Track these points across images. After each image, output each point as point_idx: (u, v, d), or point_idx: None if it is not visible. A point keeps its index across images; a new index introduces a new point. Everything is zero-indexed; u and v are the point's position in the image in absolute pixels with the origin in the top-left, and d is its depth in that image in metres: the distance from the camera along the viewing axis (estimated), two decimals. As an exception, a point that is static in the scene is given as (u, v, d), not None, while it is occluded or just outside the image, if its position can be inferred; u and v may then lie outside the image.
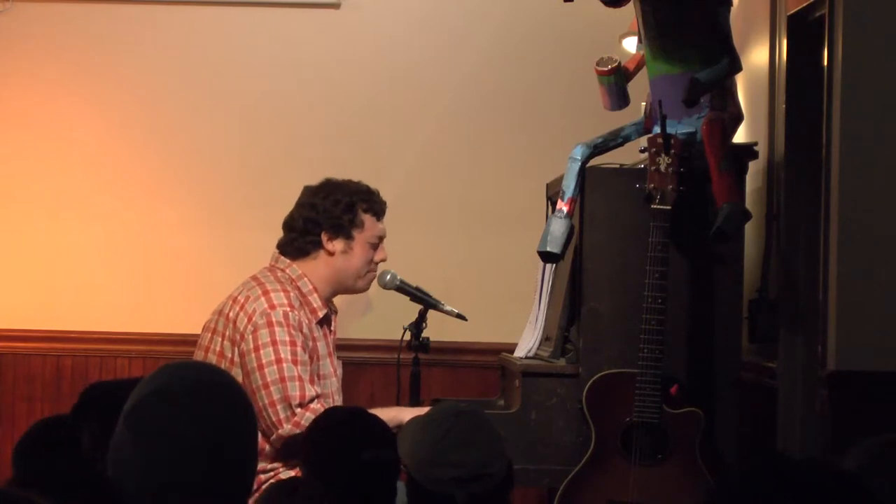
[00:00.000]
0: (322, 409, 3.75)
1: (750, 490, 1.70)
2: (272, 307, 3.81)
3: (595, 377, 3.59)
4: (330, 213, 3.96)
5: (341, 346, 4.45)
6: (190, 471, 2.10)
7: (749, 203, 3.78)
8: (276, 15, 4.99)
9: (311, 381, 3.80)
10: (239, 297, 3.88)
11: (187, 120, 4.98)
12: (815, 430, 3.76)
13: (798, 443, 3.92)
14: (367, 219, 4.00)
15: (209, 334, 3.92)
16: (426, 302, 4.15)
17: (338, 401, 3.99)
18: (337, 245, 3.97)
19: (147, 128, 4.99)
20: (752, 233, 4.00)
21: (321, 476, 2.64)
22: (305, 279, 3.94)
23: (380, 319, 4.80)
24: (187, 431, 2.11)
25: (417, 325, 4.11)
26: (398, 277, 4.18)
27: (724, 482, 1.78)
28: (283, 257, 4.00)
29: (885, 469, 2.25)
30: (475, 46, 4.95)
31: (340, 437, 2.69)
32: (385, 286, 4.19)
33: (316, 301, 3.93)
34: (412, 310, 4.16)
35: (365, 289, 4.11)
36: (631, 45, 4.19)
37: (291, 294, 3.86)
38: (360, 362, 4.81)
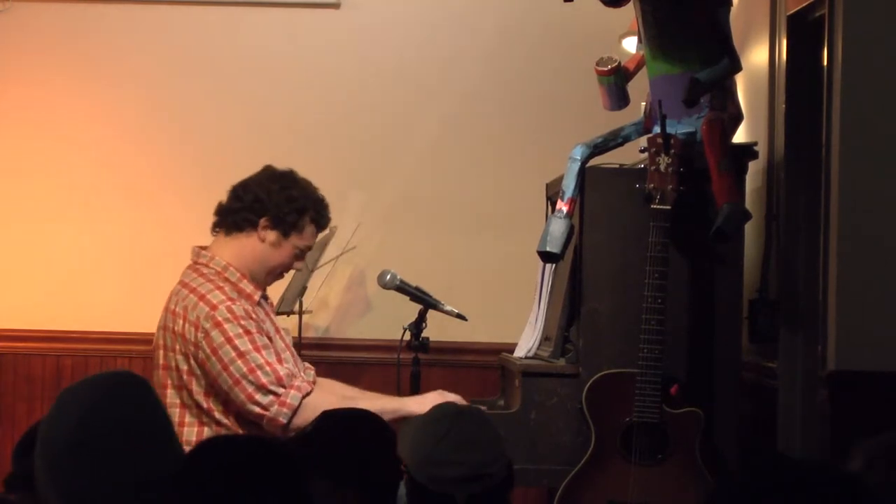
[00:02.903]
0: (306, 385, 3.73)
1: (750, 490, 1.70)
2: (214, 308, 3.77)
3: (595, 377, 3.59)
4: (279, 205, 3.93)
5: (341, 346, 4.45)
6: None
7: (749, 203, 3.78)
8: (276, 15, 4.99)
9: (279, 361, 3.77)
10: (177, 309, 3.83)
11: (187, 119, 4.98)
12: (815, 430, 3.76)
13: (798, 443, 3.92)
14: (309, 228, 3.97)
15: (161, 351, 3.86)
16: (426, 302, 4.15)
17: (304, 368, 3.96)
18: (270, 236, 3.93)
19: (147, 127, 4.99)
20: (752, 233, 4.01)
21: (325, 476, 2.64)
22: (232, 268, 3.89)
23: (380, 319, 4.80)
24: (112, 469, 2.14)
25: (417, 325, 4.11)
26: (398, 277, 4.18)
27: (724, 482, 1.78)
28: (203, 251, 3.95)
29: (887, 468, 2.25)
30: (475, 47, 4.95)
31: (342, 438, 2.69)
32: (385, 286, 4.18)
33: (248, 286, 3.88)
34: (412, 310, 4.16)
35: (268, 285, 4.06)
36: (631, 45, 4.19)
37: (226, 287, 3.84)
38: (360, 362, 4.81)
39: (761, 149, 3.94)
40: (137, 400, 2.23)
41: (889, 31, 3.56)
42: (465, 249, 4.91)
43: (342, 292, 4.80)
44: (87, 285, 4.97)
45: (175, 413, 3.81)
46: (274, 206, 3.91)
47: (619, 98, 3.89)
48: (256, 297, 3.89)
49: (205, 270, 3.89)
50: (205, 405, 3.78)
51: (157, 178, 4.98)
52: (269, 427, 3.71)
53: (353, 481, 2.60)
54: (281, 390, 3.71)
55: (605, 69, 3.85)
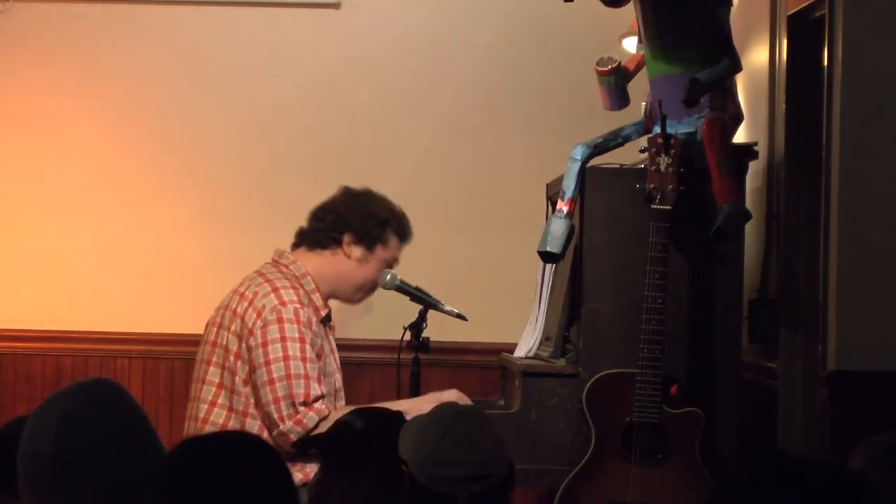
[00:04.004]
0: (325, 409, 3.76)
1: (750, 490, 1.70)
2: (283, 303, 3.81)
3: (595, 377, 3.59)
4: (362, 220, 3.98)
5: (341, 346, 4.44)
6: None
7: (749, 203, 3.78)
8: (276, 15, 4.99)
9: (318, 381, 3.80)
10: (246, 293, 3.88)
11: (187, 120, 4.98)
12: (815, 430, 3.76)
13: (798, 443, 3.92)
14: (393, 240, 4.02)
15: (215, 328, 3.92)
16: (426, 302, 4.15)
17: (341, 397, 4.00)
18: (356, 252, 3.98)
19: (147, 128, 4.99)
20: (752, 233, 4.01)
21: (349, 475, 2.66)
22: (308, 278, 3.94)
23: (380, 319, 4.80)
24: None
25: (417, 325, 4.11)
26: (398, 277, 4.18)
27: (724, 482, 1.78)
28: (287, 253, 4.00)
29: (888, 466, 2.25)
30: (475, 47, 4.95)
31: (370, 440, 2.70)
32: (385, 286, 4.19)
33: (318, 300, 3.95)
34: (412, 310, 4.16)
35: (357, 303, 4.13)
36: (631, 45, 4.19)
37: (300, 291, 3.88)
38: (360, 362, 4.81)
39: (761, 149, 3.94)
40: (113, 405, 2.23)
41: (889, 31, 3.56)
42: (465, 249, 4.91)
43: (342, 292, 4.80)
44: (86, 285, 4.96)
45: (210, 391, 3.85)
46: (356, 221, 3.97)
47: (619, 98, 3.89)
48: (322, 312, 3.93)
49: (284, 270, 3.94)
50: (242, 391, 3.81)
51: (158, 179, 4.98)
52: (277, 439, 3.74)
53: (375, 478, 2.61)
54: (302, 408, 3.73)
55: (605, 69, 3.85)
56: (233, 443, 2.12)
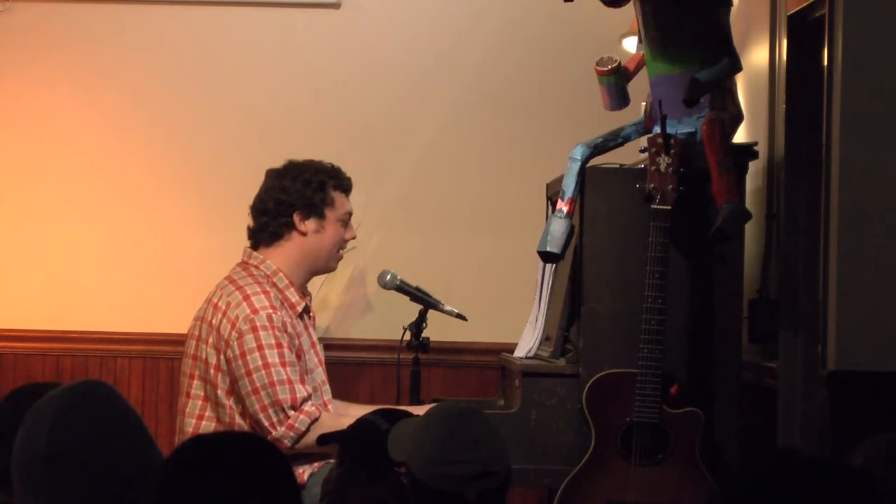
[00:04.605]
0: (315, 410, 3.75)
1: (752, 488, 1.70)
2: (255, 311, 3.78)
3: (595, 377, 3.59)
4: (301, 193, 3.95)
5: (341, 346, 4.45)
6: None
7: (749, 203, 3.78)
8: (276, 15, 4.99)
9: (302, 381, 3.78)
10: (219, 304, 3.85)
11: (187, 120, 4.98)
12: (815, 430, 3.77)
13: (798, 443, 3.92)
14: (338, 196, 4.00)
15: (194, 342, 3.89)
16: (426, 302, 4.16)
17: (326, 391, 3.98)
18: (310, 225, 3.95)
19: (147, 127, 4.99)
20: (752, 233, 4.01)
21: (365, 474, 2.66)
22: (281, 274, 3.91)
23: (380, 319, 4.80)
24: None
25: (417, 325, 4.11)
26: (398, 277, 4.18)
27: (726, 481, 1.78)
28: (255, 253, 3.97)
29: (889, 466, 2.25)
30: (476, 47, 4.95)
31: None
32: (385, 286, 4.19)
33: (293, 295, 3.90)
34: (412, 310, 4.16)
35: (335, 268, 4.10)
36: (631, 45, 4.19)
37: (272, 294, 3.84)
38: (360, 362, 4.81)
39: (761, 149, 3.94)
40: (106, 406, 2.23)
41: (889, 31, 3.56)
42: (465, 249, 4.91)
43: (342, 292, 4.79)
44: (86, 285, 4.96)
45: (197, 405, 3.84)
46: (297, 197, 3.95)
47: (619, 98, 3.89)
48: (299, 308, 3.91)
49: (254, 272, 3.91)
50: (226, 403, 3.80)
51: (158, 179, 4.98)
52: None
53: (395, 479, 2.62)
54: (292, 413, 3.72)
55: (605, 69, 3.85)
56: (235, 442, 2.12)
